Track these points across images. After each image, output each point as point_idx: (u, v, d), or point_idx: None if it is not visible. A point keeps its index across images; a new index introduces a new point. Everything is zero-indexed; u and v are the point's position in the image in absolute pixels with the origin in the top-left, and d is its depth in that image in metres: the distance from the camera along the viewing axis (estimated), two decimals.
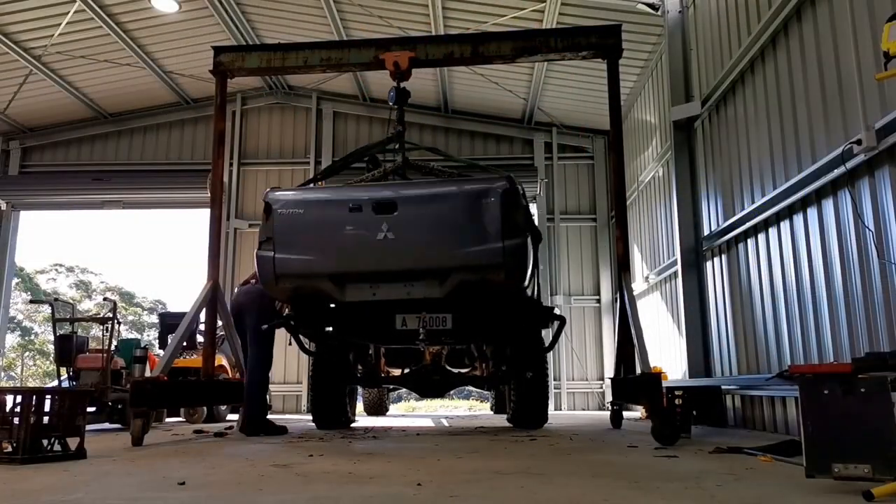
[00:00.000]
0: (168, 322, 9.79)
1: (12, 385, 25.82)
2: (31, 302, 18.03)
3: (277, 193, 5.60)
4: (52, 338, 8.21)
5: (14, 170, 13.29)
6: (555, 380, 11.99)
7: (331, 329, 6.04)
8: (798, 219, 5.21)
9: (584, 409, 12.13)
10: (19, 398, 3.56)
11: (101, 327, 7.14)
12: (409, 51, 6.15)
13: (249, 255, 12.80)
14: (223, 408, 8.83)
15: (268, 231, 5.39)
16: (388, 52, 6.15)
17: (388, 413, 11.23)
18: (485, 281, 5.31)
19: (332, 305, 5.84)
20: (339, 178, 7.94)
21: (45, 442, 3.59)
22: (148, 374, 7.24)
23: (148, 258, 77.29)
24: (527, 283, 5.63)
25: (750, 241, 6.12)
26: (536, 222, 8.17)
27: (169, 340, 6.60)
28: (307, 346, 6.61)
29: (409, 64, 6.09)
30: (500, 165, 10.23)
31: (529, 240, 5.35)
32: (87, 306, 30.32)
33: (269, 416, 10.27)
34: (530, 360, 6.43)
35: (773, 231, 5.66)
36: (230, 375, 8.56)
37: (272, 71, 7.52)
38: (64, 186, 13.25)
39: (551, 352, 6.78)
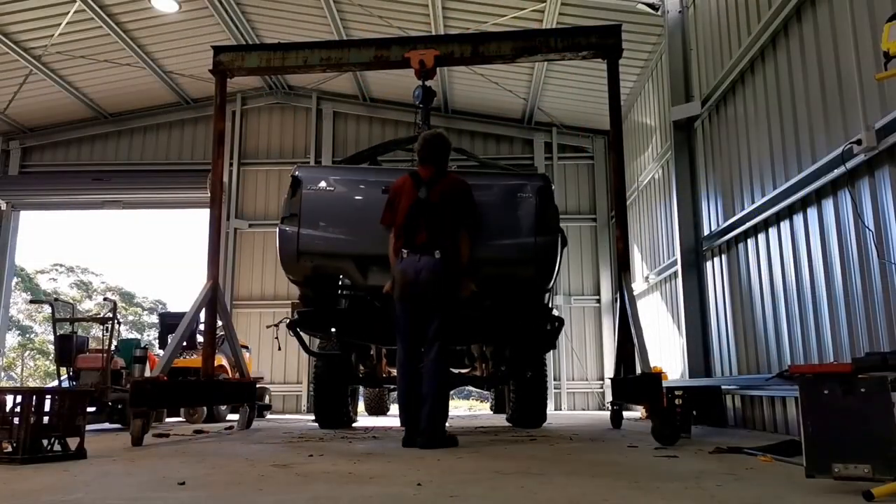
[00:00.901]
0: (168, 322, 9.79)
1: (12, 385, 25.82)
2: (31, 302, 18.01)
3: (308, 169, 5.54)
4: (52, 338, 8.21)
5: (14, 170, 13.31)
6: (555, 380, 12.00)
7: (333, 330, 6.03)
8: (798, 219, 5.21)
9: (584, 409, 12.13)
10: (19, 398, 3.55)
11: (101, 327, 7.14)
12: (433, 49, 6.07)
13: (249, 255, 12.86)
14: (223, 408, 8.83)
15: (293, 207, 5.28)
16: (413, 50, 6.04)
17: (388, 413, 11.23)
18: (514, 276, 5.31)
19: (337, 306, 5.83)
20: None
21: (45, 442, 3.58)
22: (148, 374, 7.24)
23: (148, 258, 77.32)
24: (551, 284, 5.64)
25: (750, 241, 6.12)
26: None
27: (169, 340, 6.60)
28: (310, 347, 6.60)
29: (435, 62, 6.00)
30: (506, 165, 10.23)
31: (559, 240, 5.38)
32: (88, 306, 30.33)
33: (270, 416, 10.34)
34: (529, 360, 6.44)
35: (773, 231, 5.66)
36: (230, 375, 8.57)
37: (272, 70, 7.51)
38: (64, 186, 13.28)
39: (551, 352, 6.77)
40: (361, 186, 5.44)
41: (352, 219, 5.29)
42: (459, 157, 8.32)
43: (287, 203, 5.35)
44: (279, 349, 8.85)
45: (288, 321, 5.98)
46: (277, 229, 5.37)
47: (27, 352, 30.77)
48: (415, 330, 4.46)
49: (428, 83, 6.21)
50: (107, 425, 7.01)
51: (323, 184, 5.35)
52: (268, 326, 10.84)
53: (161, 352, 8.90)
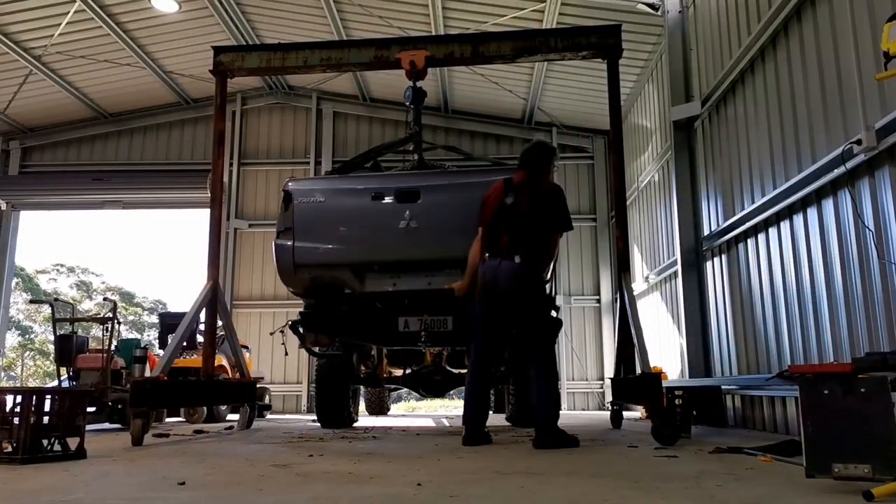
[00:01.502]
0: (168, 322, 9.80)
1: (12, 385, 25.82)
2: (31, 302, 18.00)
3: (298, 182, 5.64)
4: (52, 338, 8.21)
5: (14, 170, 13.31)
6: None
7: (335, 332, 6.05)
8: (798, 219, 5.21)
9: (584, 409, 12.13)
10: (19, 398, 3.56)
11: (101, 327, 7.14)
12: (424, 49, 6.06)
13: (249, 255, 12.86)
14: (223, 408, 8.83)
15: (287, 221, 5.38)
16: (404, 51, 6.05)
17: (388, 413, 11.22)
18: None
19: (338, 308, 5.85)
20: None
21: (45, 442, 3.58)
22: (148, 374, 7.24)
23: (148, 258, 77.37)
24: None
25: (750, 241, 6.12)
26: None
27: (169, 340, 6.60)
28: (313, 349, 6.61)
29: (426, 63, 6.01)
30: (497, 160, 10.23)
31: None
32: (88, 306, 30.34)
33: (270, 416, 10.34)
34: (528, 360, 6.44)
35: (773, 231, 5.66)
36: (230, 375, 8.57)
37: (272, 71, 7.52)
38: (64, 186, 13.28)
39: None
40: (352, 195, 5.51)
41: (345, 228, 5.39)
42: (454, 155, 8.34)
43: (281, 217, 5.46)
44: (286, 354, 8.86)
45: (290, 323, 6.01)
46: (273, 244, 5.46)
47: (27, 352, 30.78)
48: (490, 332, 4.54)
49: (420, 84, 6.21)
50: (107, 425, 7.01)
51: (314, 196, 5.45)
52: (271, 333, 10.86)
53: (161, 352, 8.91)
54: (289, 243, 5.34)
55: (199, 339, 8.53)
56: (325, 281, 5.55)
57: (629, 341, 5.36)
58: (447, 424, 7.94)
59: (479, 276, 4.54)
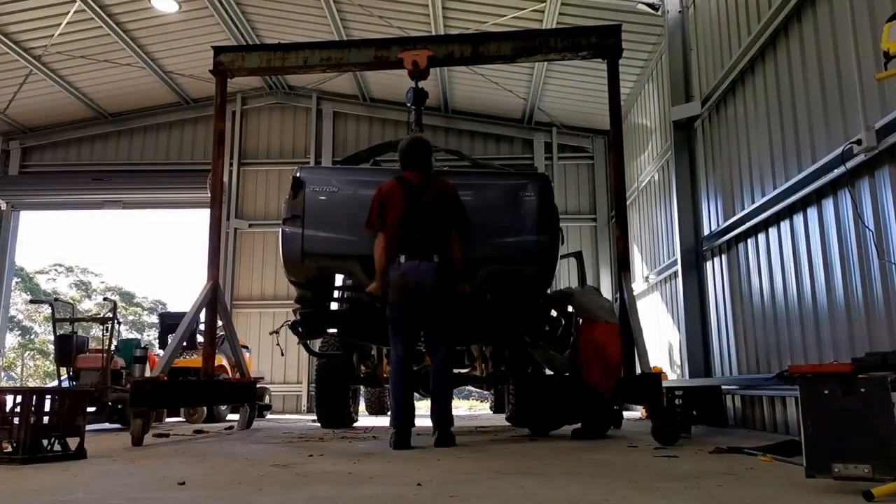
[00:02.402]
0: (168, 322, 9.80)
1: (12, 385, 25.82)
2: (31, 302, 18.05)
3: (310, 170, 5.54)
4: (52, 338, 8.21)
5: (14, 170, 13.31)
6: None
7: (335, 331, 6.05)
8: (798, 219, 5.21)
9: None
10: (19, 398, 3.56)
11: (101, 327, 7.14)
12: (426, 49, 6.04)
13: (249, 255, 12.86)
14: (223, 408, 8.84)
15: (296, 208, 5.24)
16: (406, 50, 6.00)
17: (389, 413, 11.20)
18: (516, 273, 5.34)
19: (336, 307, 5.83)
20: None
21: (45, 442, 3.59)
22: (148, 374, 7.25)
23: (148, 258, 77.34)
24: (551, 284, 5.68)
25: (750, 241, 6.12)
26: None
27: (169, 340, 6.59)
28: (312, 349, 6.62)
29: (428, 63, 5.97)
30: (501, 166, 10.22)
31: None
32: (88, 306, 30.33)
33: (270, 416, 10.34)
34: (528, 360, 6.46)
35: (773, 231, 5.66)
36: (230, 375, 8.57)
37: (272, 71, 7.51)
38: (64, 186, 13.28)
39: None
40: (365, 186, 5.43)
41: (356, 219, 5.27)
42: (453, 157, 8.33)
43: (289, 204, 5.32)
44: (282, 355, 8.85)
45: (290, 323, 6.00)
46: (280, 231, 5.35)
47: (27, 352, 30.78)
48: (413, 332, 4.61)
49: (422, 84, 6.20)
50: (107, 425, 7.01)
51: (326, 184, 5.35)
52: (270, 333, 10.85)
53: (161, 352, 8.91)
54: (297, 231, 5.21)
55: (199, 339, 8.53)
56: (331, 272, 5.49)
57: (629, 341, 5.35)
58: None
59: (398, 278, 4.51)
